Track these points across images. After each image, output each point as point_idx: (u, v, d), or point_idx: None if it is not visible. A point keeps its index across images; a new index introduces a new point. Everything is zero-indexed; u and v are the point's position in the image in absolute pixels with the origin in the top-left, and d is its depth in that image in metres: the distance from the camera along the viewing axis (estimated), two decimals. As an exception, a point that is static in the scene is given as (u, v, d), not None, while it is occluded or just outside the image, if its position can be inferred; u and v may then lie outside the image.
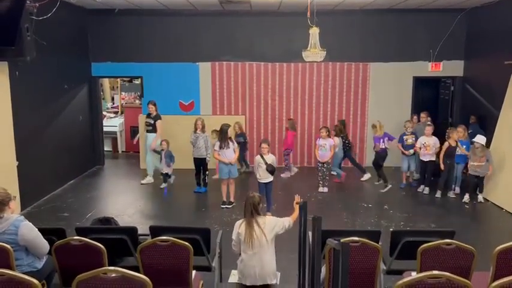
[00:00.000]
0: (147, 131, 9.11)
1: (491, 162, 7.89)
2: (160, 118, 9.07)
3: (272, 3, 8.97)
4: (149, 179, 9.23)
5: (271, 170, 7.06)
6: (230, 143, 7.61)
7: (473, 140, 7.94)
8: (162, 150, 8.68)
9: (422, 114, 9.57)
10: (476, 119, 9.42)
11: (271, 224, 4.24)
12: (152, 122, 9.00)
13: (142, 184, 9.11)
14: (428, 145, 8.37)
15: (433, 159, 8.41)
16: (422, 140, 8.51)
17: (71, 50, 9.42)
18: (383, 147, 8.77)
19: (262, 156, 7.09)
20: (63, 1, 7.66)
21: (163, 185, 8.72)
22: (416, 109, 10.51)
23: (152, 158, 9.16)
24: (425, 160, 8.46)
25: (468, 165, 8.07)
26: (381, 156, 8.83)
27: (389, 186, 8.71)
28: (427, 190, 8.48)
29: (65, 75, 9.12)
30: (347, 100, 10.61)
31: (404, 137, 8.89)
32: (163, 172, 8.71)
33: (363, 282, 3.98)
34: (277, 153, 10.47)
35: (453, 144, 8.15)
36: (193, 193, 8.55)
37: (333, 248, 3.08)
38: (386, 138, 8.83)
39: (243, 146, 9.55)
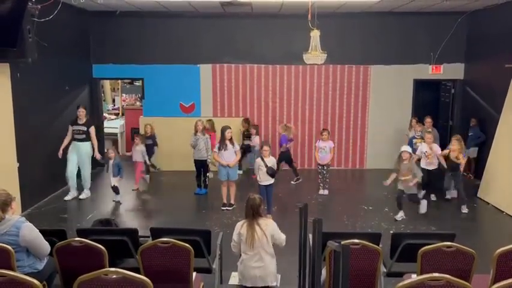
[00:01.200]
0: (79, 140, 8.02)
1: (418, 176, 7.18)
2: (93, 123, 8.27)
3: (273, 5, 8.99)
4: (87, 193, 8.31)
5: (271, 172, 7.07)
6: (230, 145, 7.60)
7: (401, 149, 7.23)
8: (109, 159, 7.80)
9: (428, 119, 8.97)
10: (476, 121, 9.43)
11: (271, 227, 4.24)
12: (85, 129, 8.02)
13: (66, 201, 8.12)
14: (429, 154, 7.73)
15: (436, 167, 7.82)
16: (423, 148, 7.89)
17: (72, 52, 9.44)
18: (288, 147, 9.35)
19: (262, 159, 7.10)
20: (64, 3, 7.68)
21: (117, 198, 8.02)
22: (416, 112, 10.51)
23: (83, 170, 8.14)
24: (430, 169, 7.80)
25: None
26: (285, 155, 9.20)
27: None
28: (433, 197, 8.11)
29: (66, 77, 9.14)
30: (347, 103, 10.62)
31: (414, 140, 8.52)
32: (112, 185, 7.87)
33: (363, 284, 3.98)
34: (277, 155, 10.48)
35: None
36: (193, 195, 8.56)
37: (333, 250, 3.09)
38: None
39: (151, 149, 9.22)
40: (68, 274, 3.92)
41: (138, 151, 8.60)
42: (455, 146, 7.68)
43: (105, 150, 9.09)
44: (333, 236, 3.79)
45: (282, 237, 4.30)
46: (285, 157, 9.43)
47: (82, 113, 8.08)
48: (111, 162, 7.77)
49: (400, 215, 7.27)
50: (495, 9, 8.87)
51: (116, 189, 7.92)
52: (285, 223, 6.34)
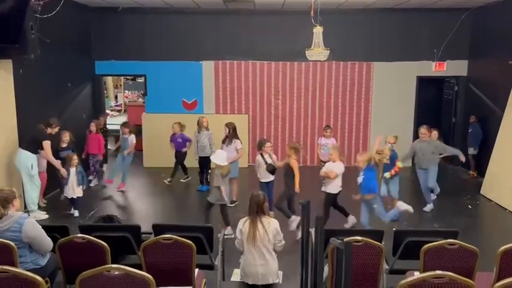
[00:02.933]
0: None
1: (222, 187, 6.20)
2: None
3: (276, 2, 8.97)
4: (42, 214, 7.00)
5: (271, 169, 7.05)
6: (231, 142, 7.60)
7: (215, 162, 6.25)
8: (72, 167, 7.08)
9: (435, 131, 7.87)
10: (476, 118, 9.41)
11: (273, 226, 4.23)
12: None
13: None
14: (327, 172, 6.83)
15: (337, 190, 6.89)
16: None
17: (74, 48, 9.44)
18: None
19: (262, 156, 7.08)
20: (67, -1, 7.68)
21: (76, 212, 7.20)
22: (420, 108, 10.49)
23: (33, 185, 6.92)
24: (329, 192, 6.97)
25: None
26: (181, 154, 8.86)
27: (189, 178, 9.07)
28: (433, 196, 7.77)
29: (69, 74, 9.14)
30: (350, 99, 10.59)
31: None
32: (74, 197, 7.09)
33: (366, 281, 3.98)
34: (280, 153, 10.48)
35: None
36: (196, 191, 8.56)
37: (336, 247, 3.08)
38: (180, 140, 8.85)
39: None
40: (71, 270, 3.93)
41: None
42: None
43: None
44: (336, 233, 3.79)
45: (282, 241, 4.26)
46: (181, 155, 8.91)
47: (57, 128, 7.23)
48: (73, 170, 7.05)
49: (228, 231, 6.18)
50: (499, 6, 8.83)
51: (75, 202, 7.15)
52: (287, 220, 6.37)
